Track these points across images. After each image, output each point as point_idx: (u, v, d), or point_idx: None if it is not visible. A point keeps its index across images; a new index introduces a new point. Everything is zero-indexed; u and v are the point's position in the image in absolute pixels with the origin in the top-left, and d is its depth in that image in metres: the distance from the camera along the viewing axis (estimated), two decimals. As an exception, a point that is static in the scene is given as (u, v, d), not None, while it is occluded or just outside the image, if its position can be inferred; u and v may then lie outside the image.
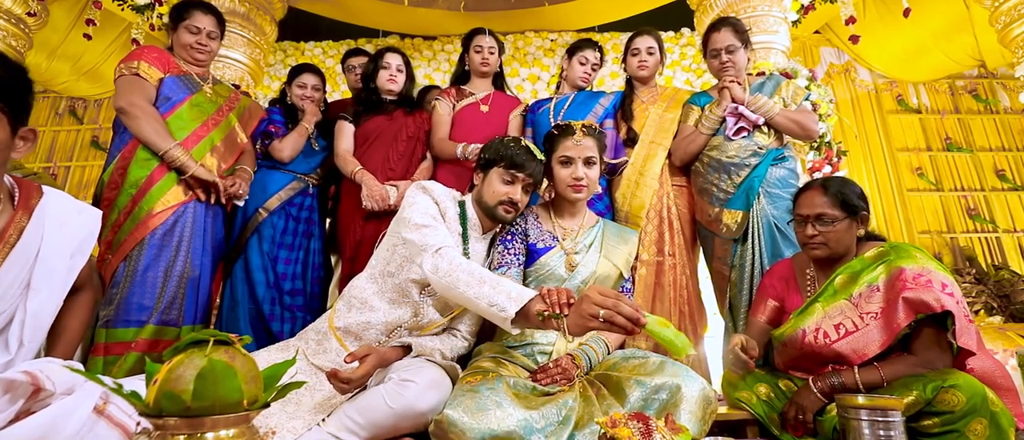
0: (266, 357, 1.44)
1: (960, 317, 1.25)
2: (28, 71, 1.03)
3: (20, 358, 1.12)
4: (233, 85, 2.81)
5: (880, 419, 1.10)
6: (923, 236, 4.57)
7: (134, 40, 3.26)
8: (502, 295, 1.18)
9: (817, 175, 3.04)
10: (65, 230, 1.18)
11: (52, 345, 1.24)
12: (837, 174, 3.07)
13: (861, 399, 1.12)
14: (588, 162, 1.58)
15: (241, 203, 2.08)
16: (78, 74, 4.53)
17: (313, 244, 2.26)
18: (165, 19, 3.07)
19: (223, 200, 1.98)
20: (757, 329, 1.62)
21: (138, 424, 0.97)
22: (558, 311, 1.10)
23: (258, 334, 2.03)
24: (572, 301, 1.12)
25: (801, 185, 2.12)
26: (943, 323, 1.32)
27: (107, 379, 0.74)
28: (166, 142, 1.84)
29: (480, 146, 2.09)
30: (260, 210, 2.15)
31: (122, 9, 3.23)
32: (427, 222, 1.42)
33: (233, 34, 3.12)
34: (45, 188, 1.22)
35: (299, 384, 0.86)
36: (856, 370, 1.34)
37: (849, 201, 1.49)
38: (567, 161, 1.58)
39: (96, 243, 1.80)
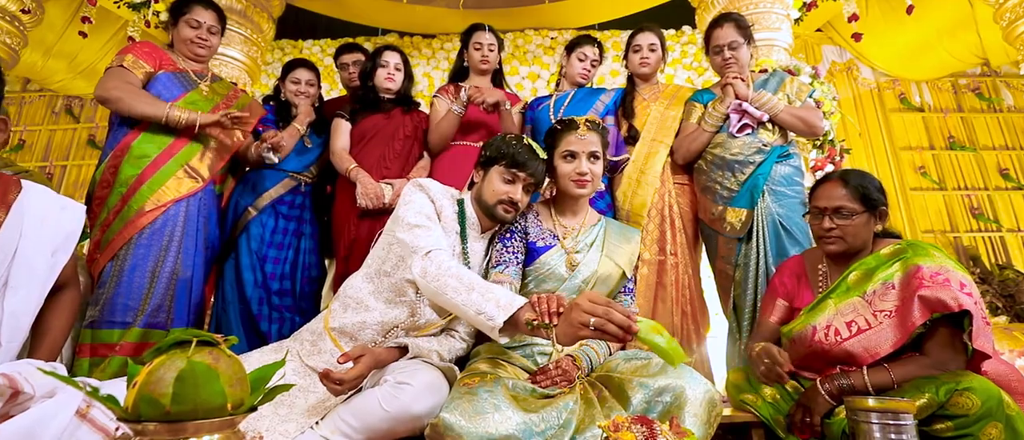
0: (258, 358, 1.41)
1: (978, 318, 1.21)
2: None
3: (-1, 360, 1.08)
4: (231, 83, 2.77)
5: (891, 422, 1.07)
6: (926, 235, 4.54)
7: (130, 38, 3.24)
8: (491, 303, 1.14)
9: (820, 174, 3.01)
10: (46, 226, 1.14)
11: (35, 346, 1.20)
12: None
13: (871, 401, 1.09)
14: (592, 157, 1.54)
15: (276, 158, 2.09)
16: (74, 72, 4.50)
17: (304, 243, 2.22)
18: (161, 17, 3.08)
19: (238, 133, 1.96)
20: (768, 330, 1.58)
21: (117, 428, 0.93)
22: (548, 320, 1.07)
23: (249, 335, 2.00)
24: (562, 309, 1.08)
25: (805, 183, 2.10)
26: (959, 324, 1.28)
27: (87, 381, 0.70)
28: (161, 108, 1.81)
29: (475, 86, 2.08)
30: (249, 208, 2.12)
31: (118, 7, 3.21)
32: (420, 222, 1.38)
33: (230, 31, 3.08)
34: (25, 182, 1.17)
35: (288, 386, 0.82)
36: (866, 371, 1.30)
37: (869, 195, 1.45)
38: (571, 156, 1.54)
39: (86, 241, 1.77)
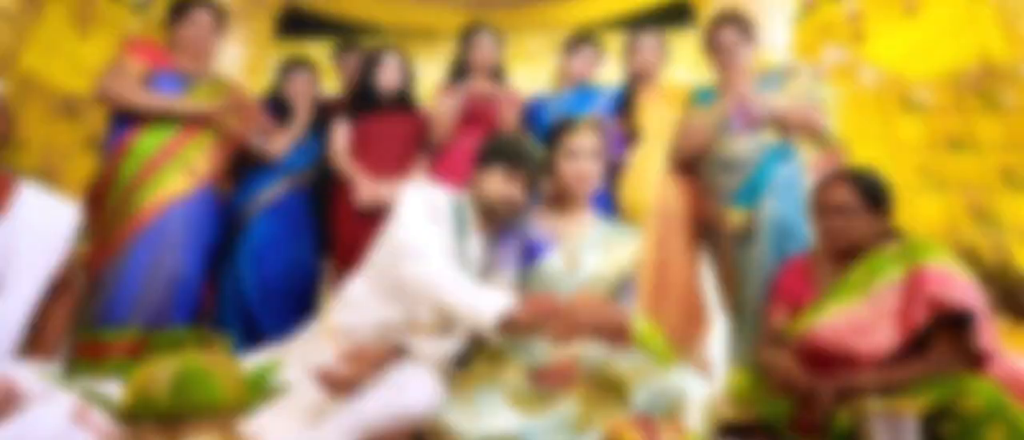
0: (256, 358, 1.40)
1: (981, 319, 1.20)
2: None
3: (-7, 361, 1.07)
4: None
5: (894, 423, 1.06)
6: (927, 235, 4.53)
7: (130, 37, 3.23)
8: (484, 304, 1.14)
9: (820, 173, 3.00)
10: (41, 225, 1.14)
11: (31, 347, 1.20)
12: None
13: (874, 402, 1.08)
14: (593, 156, 1.54)
15: (266, 146, 2.11)
16: (74, 72, 4.49)
17: (302, 243, 2.22)
18: (161, 16, 3.08)
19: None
20: (773, 332, 1.57)
21: (113, 429, 0.93)
22: (542, 320, 1.07)
23: (247, 335, 1.99)
24: (556, 309, 1.08)
25: (806, 183, 2.09)
26: (962, 324, 1.27)
27: (81, 382, 0.70)
28: (162, 102, 1.81)
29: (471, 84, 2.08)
30: (248, 208, 2.11)
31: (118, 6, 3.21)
32: (416, 222, 1.38)
33: (230, 31, 3.07)
34: (19, 182, 1.17)
35: (286, 387, 0.81)
36: (868, 371, 1.29)
37: (874, 193, 1.44)
38: (572, 155, 1.54)
39: (84, 240, 1.77)
